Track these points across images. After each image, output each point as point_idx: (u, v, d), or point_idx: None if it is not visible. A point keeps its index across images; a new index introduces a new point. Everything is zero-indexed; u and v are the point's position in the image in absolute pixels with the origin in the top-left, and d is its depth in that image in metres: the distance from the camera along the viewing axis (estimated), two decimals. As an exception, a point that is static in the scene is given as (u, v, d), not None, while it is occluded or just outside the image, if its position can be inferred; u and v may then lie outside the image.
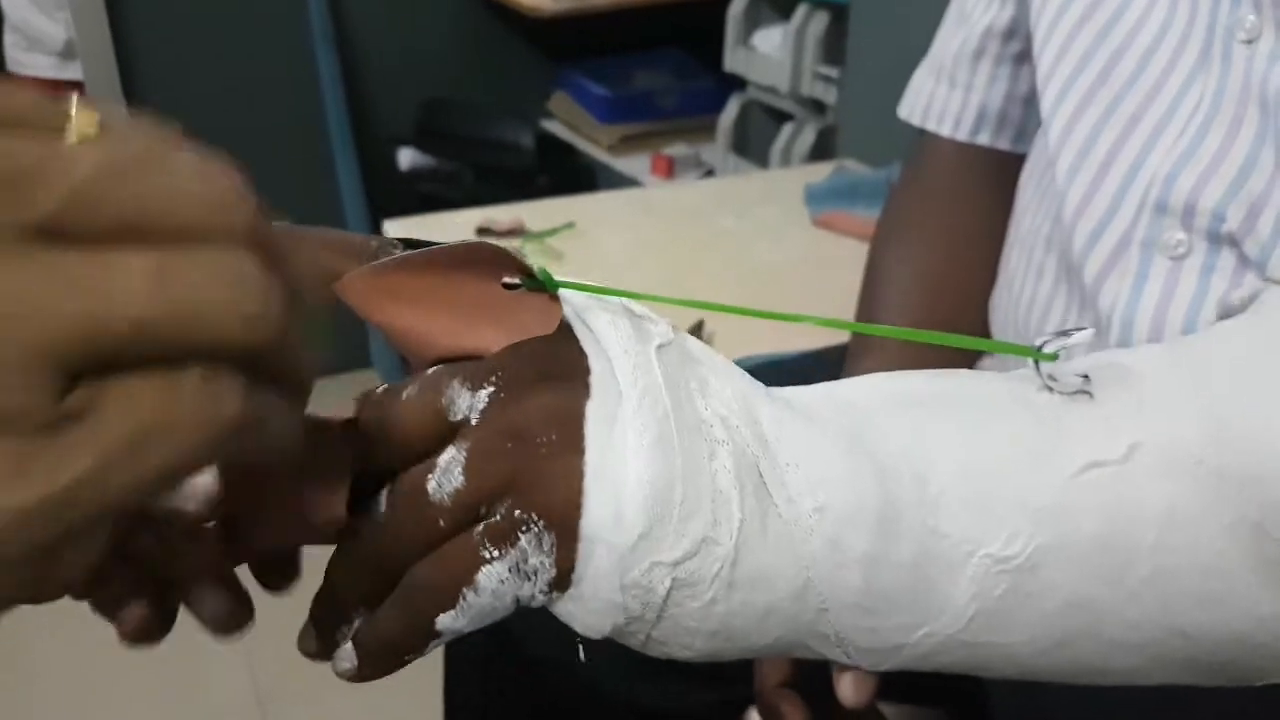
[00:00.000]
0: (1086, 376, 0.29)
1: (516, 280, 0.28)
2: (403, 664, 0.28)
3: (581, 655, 0.29)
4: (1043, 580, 0.28)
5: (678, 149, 2.01)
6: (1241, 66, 0.46)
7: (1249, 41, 0.46)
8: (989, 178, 0.67)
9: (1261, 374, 0.29)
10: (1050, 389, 0.29)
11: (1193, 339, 0.32)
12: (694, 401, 0.27)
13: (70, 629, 1.68)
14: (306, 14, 1.96)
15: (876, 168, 1.41)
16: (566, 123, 2.20)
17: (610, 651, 0.66)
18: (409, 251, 0.27)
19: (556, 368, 0.27)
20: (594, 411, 0.26)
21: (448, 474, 0.26)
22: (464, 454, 0.26)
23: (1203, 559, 0.28)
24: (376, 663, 0.28)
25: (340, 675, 0.29)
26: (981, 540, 0.28)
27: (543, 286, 0.28)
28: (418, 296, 0.27)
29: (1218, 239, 0.47)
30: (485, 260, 0.28)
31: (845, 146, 1.59)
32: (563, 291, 0.28)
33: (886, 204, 0.73)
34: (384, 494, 0.27)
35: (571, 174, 2.11)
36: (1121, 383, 0.29)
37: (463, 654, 0.74)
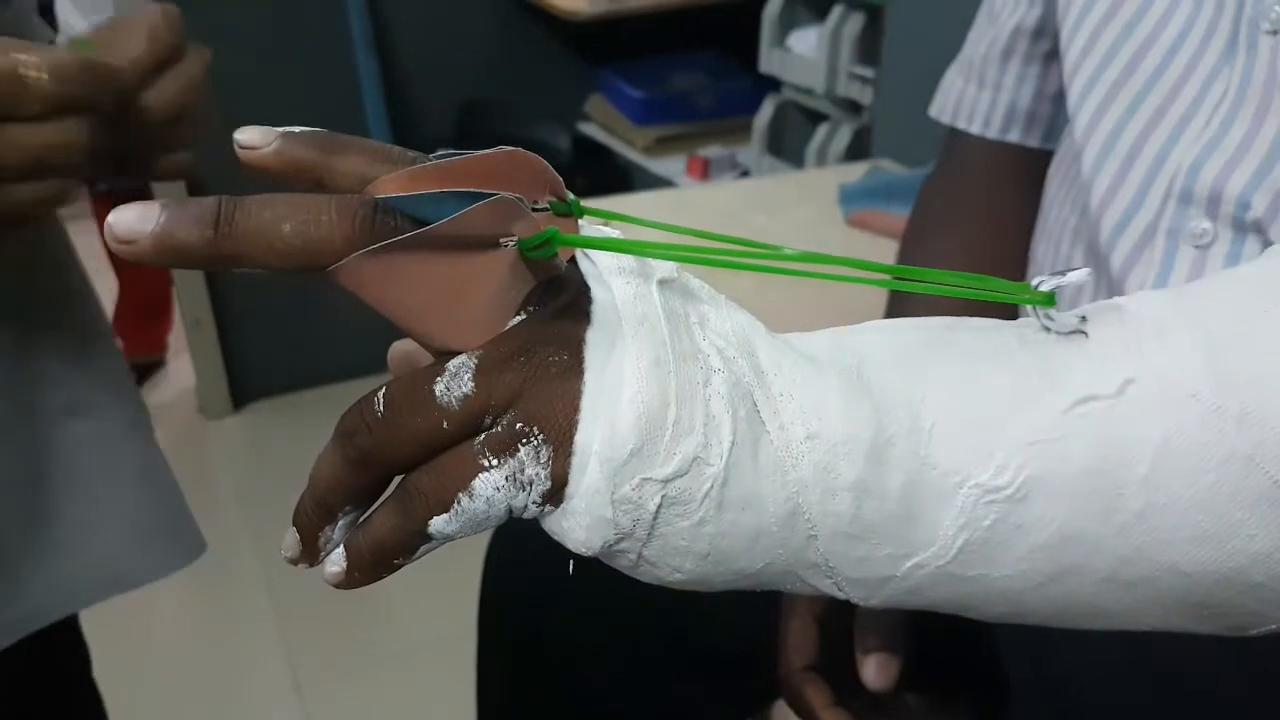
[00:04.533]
0: (1084, 317, 0.30)
1: (545, 204, 0.28)
2: (392, 569, 0.29)
3: (570, 569, 0.29)
4: (1032, 512, 0.28)
5: (713, 150, 2.02)
6: (1267, 56, 0.46)
7: (1274, 32, 0.46)
8: (1019, 175, 0.67)
9: (1262, 313, 0.29)
10: (1047, 329, 0.30)
11: (1194, 284, 0.32)
12: (692, 333, 0.28)
13: (109, 619, 1.72)
14: (347, 17, 1.99)
15: (912, 168, 1.41)
16: (603, 125, 2.22)
17: (640, 644, 0.67)
18: (416, 231, 0.27)
19: (564, 298, 0.28)
20: (593, 337, 0.28)
21: (457, 379, 0.27)
22: (475, 361, 0.27)
23: (1195, 493, 0.28)
24: (366, 566, 0.29)
25: (329, 580, 0.29)
26: (971, 471, 0.28)
27: (569, 211, 0.29)
28: (415, 278, 0.27)
29: (1243, 227, 0.47)
30: (519, 178, 0.28)
31: (880, 147, 1.59)
32: (574, 231, 0.29)
33: (917, 202, 0.73)
34: (379, 394, 0.28)
35: (607, 176, 2.13)
36: (1119, 322, 0.29)
37: (495, 647, 0.75)
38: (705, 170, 1.97)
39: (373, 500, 0.29)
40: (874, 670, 0.52)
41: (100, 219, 2.38)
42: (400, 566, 0.29)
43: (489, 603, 0.76)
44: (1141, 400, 0.28)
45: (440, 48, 2.12)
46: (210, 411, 2.21)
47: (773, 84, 1.90)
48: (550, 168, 0.29)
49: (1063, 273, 0.29)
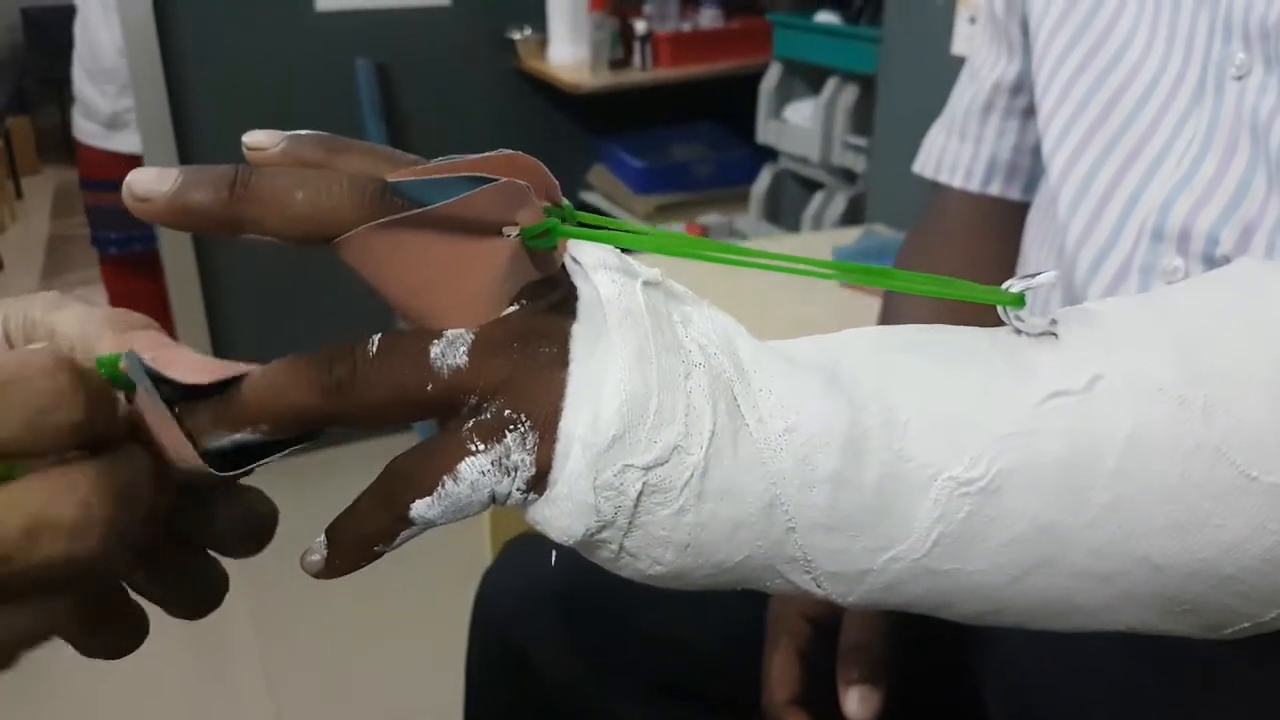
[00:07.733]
0: (1054, 320, 0.31)
1: (542, 206, 0.29)
2: (372, 556, 0.29)
3: (552, 560, 0.30)
4: (1005, 504, 0.29)
5: (711, 218, 2.06)
6: (1233, 100, 0.48)
7: (1239, 78, 0.48)
8: (1000, 226, 0.69)
9: (1226, 311, 0.30)
10: (1018, 331, 0.31)
11: (1162, 289, 0.33)
12: (675, 329, 0.29)
13: (98, 665, 1.70)
14: (357, 89, 2.05)
15: (905, 231, 1.43)
16: (604, 193, 2.26)
17: (626, 679, 0.67)
18: (425, 208, 0.28)
19: (555, 295, 0.30)
20: (579, 330, 0.29)
21: (453, 347, 0.28)
22: (472, 336, 0.28)
23: (1164, 484, 0.28)
24: (349, 553, 0.29)
25: (309, 569, 0.29)
26: (945, 463, 0.28)
27: (563, 217, 0.30)
28: (418, 257, 0.28)
29: (1213, 262, 0.48)
30: (515, 173, 0.29)
31: (875, 213, 1.62)
32: (565, 229, 0.30)
33: (900, 252, 0.75)
34: (376, 336, 0.28)
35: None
36: (1088, 323, 0.31)
37: (482, 678, 0.75)
38: (703, 237, 2.00)
39: (281, 443, 0.28)
40: (856, 702, 0.53)
41: (110, 283, 2.34)
42: (380, 554, 0.29)
43: (477, 644, 0.75)
44: (1110, 394, 0.29)
45: (448, 119, 2.18)
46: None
47: (770, 154, 1.94)
48: (548, 172, 0.30)
49: (1032, 275, 0.30)
